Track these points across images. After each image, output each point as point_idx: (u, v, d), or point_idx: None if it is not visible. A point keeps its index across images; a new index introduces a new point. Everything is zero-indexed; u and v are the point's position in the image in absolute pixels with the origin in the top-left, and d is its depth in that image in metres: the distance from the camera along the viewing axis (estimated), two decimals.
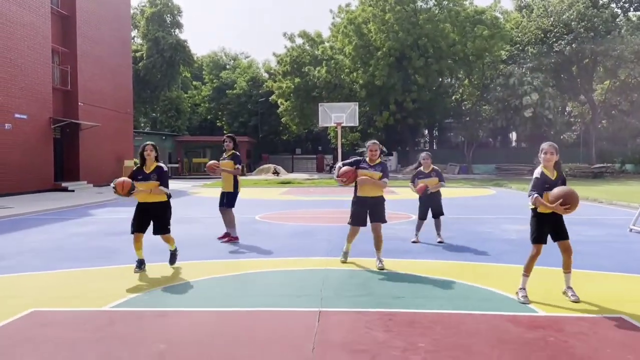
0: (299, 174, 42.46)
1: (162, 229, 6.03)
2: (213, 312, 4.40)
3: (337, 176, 6.08)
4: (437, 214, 8.04)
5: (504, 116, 37.50)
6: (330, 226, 10.03)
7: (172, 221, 6.16)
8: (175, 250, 6.22)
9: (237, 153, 8.15)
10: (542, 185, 4.58)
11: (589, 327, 3.91)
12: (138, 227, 5.94)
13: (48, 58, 21.40)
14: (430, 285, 5.21)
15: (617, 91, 39.91)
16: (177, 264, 6.22)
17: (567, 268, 4.69)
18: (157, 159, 6.04)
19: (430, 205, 8.00)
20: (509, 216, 12.05)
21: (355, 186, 6.26)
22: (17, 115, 19.30)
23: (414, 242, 7.95)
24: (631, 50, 34.14)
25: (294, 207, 14.37)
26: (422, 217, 8.05)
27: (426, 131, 53.71)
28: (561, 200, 4.36)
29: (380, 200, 6.23)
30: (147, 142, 6.09)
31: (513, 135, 52.12)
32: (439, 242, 7.91)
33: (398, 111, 38.88)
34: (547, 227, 4.67)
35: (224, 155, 8.23)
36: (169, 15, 45.58)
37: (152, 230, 6.08)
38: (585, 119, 42.40)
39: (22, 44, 19.60)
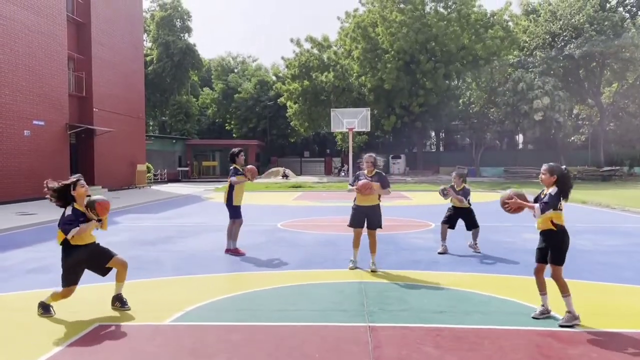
0: (308, 176, 42.72)
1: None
2: (271, 326, 4.60)
3: (357, 189, 6.66)
4: (471, 226, 8.23)
5: (512, 119, 37.67)
6: (349, 235, 10.26)
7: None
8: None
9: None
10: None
11: (629, 342, 4.13)
12: (77, 279, 4.88)
13: (64, 65, 21.76)
14: (465, 299, 5.44)
15: (625, 94, 40.06)
16: (216, 274, 6.41)
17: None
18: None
19: (461, 217, 8.22)
20: (525, 224, 12.19)
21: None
22: (35, 122, 19.67)
23: (440, 253, 8.02)
24: None
25: (310, 214, 14.60)
26: (447, 222, 8.21)
27: (433, 134, 53.95)
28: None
29: (376, 208, 6.84)
30: (76, 177, 4.85)
31: (520, 138, 52.19)
32: (474, 250, 8.07)
33: (406, 114, 39.13)
34: None
35: (239, 169, 8.06)
36: (178, 20, 46.03)
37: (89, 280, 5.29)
38: (593, 121, 42.50)
39: (39, 51, 19.96)
